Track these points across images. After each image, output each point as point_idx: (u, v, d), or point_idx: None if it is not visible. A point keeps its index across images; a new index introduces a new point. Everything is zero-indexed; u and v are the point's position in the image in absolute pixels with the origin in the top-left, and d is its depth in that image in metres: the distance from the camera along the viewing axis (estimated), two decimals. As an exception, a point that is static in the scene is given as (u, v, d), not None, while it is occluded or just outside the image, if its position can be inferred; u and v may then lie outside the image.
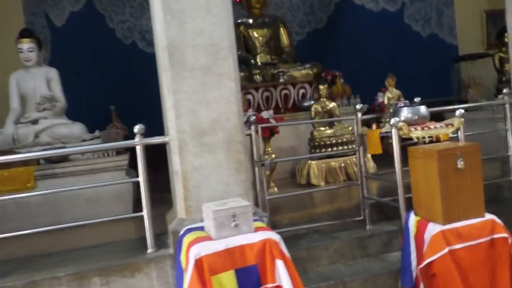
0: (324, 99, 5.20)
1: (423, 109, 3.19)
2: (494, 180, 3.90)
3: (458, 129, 3.15)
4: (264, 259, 2.45)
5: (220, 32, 2.91)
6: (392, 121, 3.00)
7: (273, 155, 4.85)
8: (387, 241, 3.47)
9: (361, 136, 3.49)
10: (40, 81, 4.61)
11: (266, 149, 4.87)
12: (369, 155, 4.73)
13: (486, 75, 6.35)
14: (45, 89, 4.61)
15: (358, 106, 3.49)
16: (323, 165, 4.93)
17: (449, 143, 2.97)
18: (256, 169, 3.35)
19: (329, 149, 4.96)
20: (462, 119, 3.13)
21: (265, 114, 4.86)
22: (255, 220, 2.79)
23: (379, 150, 3.28)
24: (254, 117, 4.50)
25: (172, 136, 2.89)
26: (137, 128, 2.92)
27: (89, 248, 3.18)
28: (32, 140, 4.47)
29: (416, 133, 3.04)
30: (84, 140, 4.52)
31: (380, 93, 5.19)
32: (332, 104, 5.19)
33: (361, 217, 3.58)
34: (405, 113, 3.14)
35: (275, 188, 4.83)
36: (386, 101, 4.11)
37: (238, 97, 2.99)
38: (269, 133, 4.83)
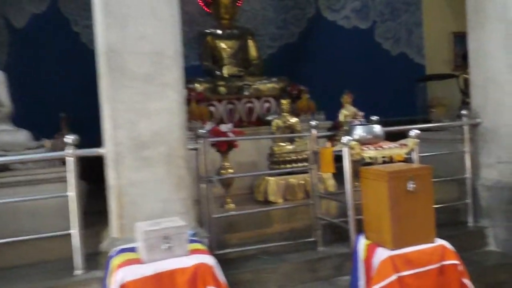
0: (286, 114, 5.07)
1: (377, 128, 3.07)
2: (451, 203, 3.81)
3: (412, 150, 3.04)
4: (195, 286, 2.26)
5: (165, 39, 2.74)
6: (345, 139, 2.87)
7: (230, 170, 4.68)
8: (338, 264, 3.31)
9: (315, 154, 3.35)
10: (-16, 84, 4.33)
11: (224, 164, 4.70)
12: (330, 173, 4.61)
13: (451, 96, 6.36)
14: (-11, 93, 4.33)
15: (313, 123, 3.36)
16: (282, 181, 4.78)
17: (401, 165, 2.86)
18: (203, 185, 3.16)
19: (289, 166, 4.81)
20: (417, 140, 3.03)
21: (223, 127, 4.69)
22: (194, 242, 2.61)
23: (331, 169, 3.15)
24: (205, 130, 4.37)
25: (108, 148, 2.69)
26: (70, 139, 2.71)
27: (14, 268, 2.92)
28: (-28, 146, 4.18)
29: (369, 153, 2.91)
30: (28, 149, 4.26)
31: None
32: (294, 120, 5.06)
33: (313, 238, 3.43)
34: (359, 131, 3.02)
35: (231, 205, 4.65)
36: (342, 119, 3.99)
37: (182, 109, 2.81)
38: (227, 147, 4.66)
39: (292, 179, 4.83)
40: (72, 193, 2.69)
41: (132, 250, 2.49)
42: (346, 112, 3.99)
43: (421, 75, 7.46)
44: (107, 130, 2.68)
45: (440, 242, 2.73)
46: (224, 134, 4.62)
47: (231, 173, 4.68)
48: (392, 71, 7.86)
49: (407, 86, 7.42)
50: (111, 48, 2.63)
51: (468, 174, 3.80)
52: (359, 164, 3.14)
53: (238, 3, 7.47)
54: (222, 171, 4.70)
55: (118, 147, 2.66)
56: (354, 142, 2.86)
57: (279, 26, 9.09)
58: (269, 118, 5.79)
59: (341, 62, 8.10)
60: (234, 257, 3.28)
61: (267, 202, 4.72)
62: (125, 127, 2.66)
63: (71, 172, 2.69)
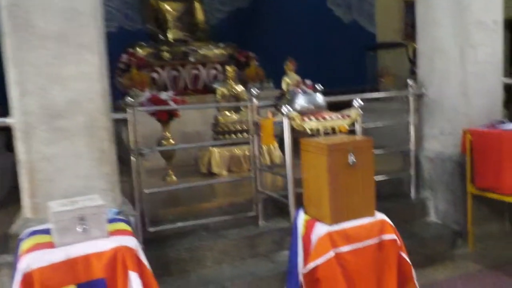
0: (232, 82, 4.82)
1: (319, 97, 2.89)
2: (395, 175, 3.76)
3: (355, 121, 2.90)
4: (114, 271, 2.04)
5: (81, -7, 2.40)
6: (284, 110, 2.68)
7: (171, 141, 4.43)
8: (279, 239, 3.19)
9: (256, 124, 3.15)
10: None
11: (164, 134, 4.44)
12: (276, 144, 4.45)
13: (400, 65, 6.30)
14: None
15: (254, 91, 3.14)
16: (226, 152, 4.57)
17: (343, 137, 2.71)
18: (133, 158, 2.90)
19: (233, 136, 4.60)
20: (359, 111, 2.88)
21: (163, 95, 4.39)
22: (118, 221, 2.37)
23: (272, 141, 2.96)
24: (145, 98, 4.05)
25: (16, 118, 2.36)
26: (-32, 107, 2.36)
27: None
28: None
29: (310, 124, 2.74)
30: None
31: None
32: (239, 88, 4.82)
33: (254, 213, 3.28)
34: (300, 101, 2.83)
35: (173, 177, 4.43)
36: (284, 87, 3.79)
37: (103, 74, 2.51)
38: (167, 116, 4.38)
39: (237, 150, 4.64)
40: (-26, 168, 2.36)
41: (46, 232, 2.22)
42: (288, 80, 3.78)
43: (371, 43, 7.36)
44: (14, 97, 2.35)
45: (379, 216, 2.63)
46: (163, 102, 4.32)
47: (173, 144, 4.43)
48: (344, 39, 7.73)
49: (358, 55, 7.32)
50: (14, 2, 2.27)
51: (412, 146, 3.74)
52: (304, 135, 2.98)
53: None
54: (163, 142, 4.44)
55: (27, 117, 2.34)
56: (294, 113, 2.68)
57: (228, -10, 8.72)
58: (216, 86, 5.53)
59: (293, 29, 7.89)
60: (169, 234, 3.09)
61: (210, 174, 4.52)
62: (35, 94, 2.33)
63: (-28, 145, 2.36)
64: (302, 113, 2.79)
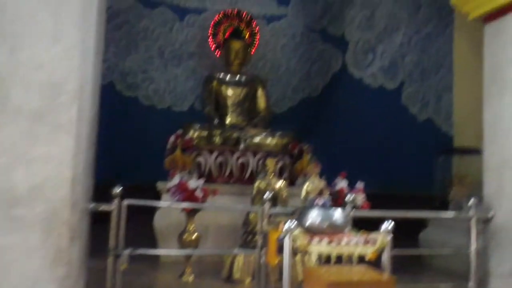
0: (272, 176, 4.34)
1: (338, 213, 2.28)
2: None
3: (382, 249, 2.23)
4: None
5: (67, 70, 2.18)
6: (286, 226, 2.12)
7: (194, 236, 3.98)
8: None
9: (265, 236, 2.59)
10: None
11: (188, 226, 4.01)
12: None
13: (477, 173, 5.40)
14: None
15: (268, 194, 2.63)
16: (252, 258, 3.96)
17: (358, 270, 2.05)
18: (110, 260, 2.47)
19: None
20: (389, 236, 2.22)
21: (192, 183, 4.03)
22: None
23: (273, 260, 2.38)
24: (174, 184, 3.73)
25: (-28, 201, 2.09)
26: None
27: None
28: None
29: (318, 247, 2.13)
30: None
31: (339, 178, 4.33)
32: (280, 183, 4.30)
33: None
34: (313, 216, 2.25)
35: (190, 277, 3.91)
36: (303, 195, 3.18)
37: (79, 160, 2.19)
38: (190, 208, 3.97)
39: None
40: None
41: None
42: (309, 187, 3.19)
43: (447, 145, 6.54)
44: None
45: None
46: (191, 192, 3.96)
47: (193, 239, 3.98)
48: (418, 138, 7.01)
49: (431, 157, 6.52)
50: (-7, 73, 2.09)
51: (472, 283, 2.89)
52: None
53: (252, 51, 7.00)
54: (185, 236, 4.00)
55: (-18, 201, 2.05)
56: (297, 231, 2.11)
57: (302, 78, 8.60)
58: (258, 178, 5.08)
59: (362, 123, 7.40)
60: None
61: (230, 281, 3.90)
62: (-4, 175, 2.06)
63: None
64: (313, 232, 2.20)
